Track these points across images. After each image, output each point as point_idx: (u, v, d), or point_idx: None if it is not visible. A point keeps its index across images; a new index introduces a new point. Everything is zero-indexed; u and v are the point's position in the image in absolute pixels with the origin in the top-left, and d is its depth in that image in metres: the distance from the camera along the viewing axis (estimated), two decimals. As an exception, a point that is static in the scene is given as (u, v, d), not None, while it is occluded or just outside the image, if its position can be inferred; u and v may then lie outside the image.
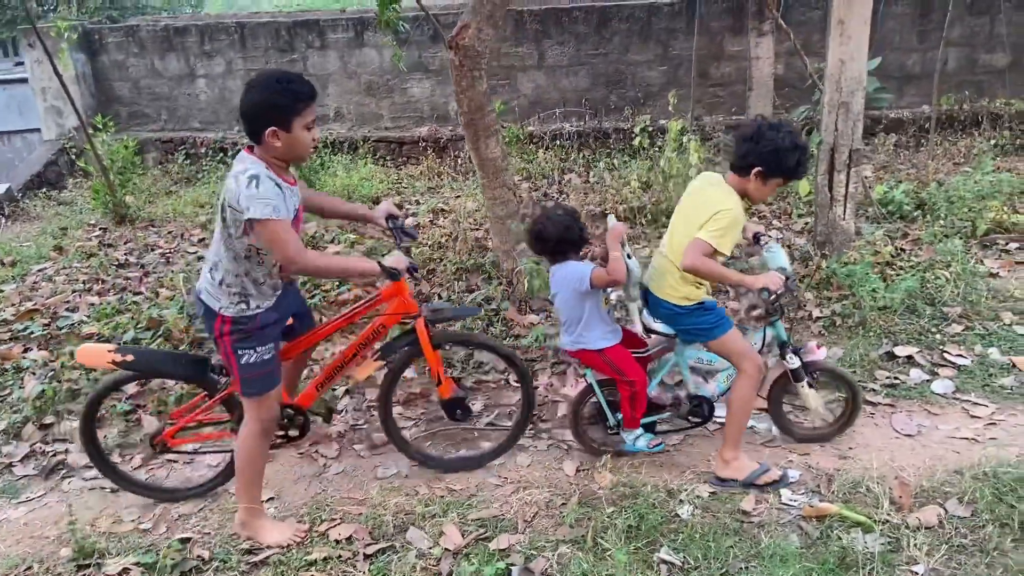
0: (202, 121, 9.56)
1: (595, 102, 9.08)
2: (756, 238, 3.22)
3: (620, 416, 3.20)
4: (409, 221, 6.51)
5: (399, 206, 7.28)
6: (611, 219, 3.15)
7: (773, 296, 2.86)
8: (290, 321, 3.09)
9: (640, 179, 6.47)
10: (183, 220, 7.12)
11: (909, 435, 3.35)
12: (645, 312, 3.18)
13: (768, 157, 2.81)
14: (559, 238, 2.99)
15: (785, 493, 2.98)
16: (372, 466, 3.37)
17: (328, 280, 5.00)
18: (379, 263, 2.78)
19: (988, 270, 4.73)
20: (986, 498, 2.79)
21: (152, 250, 6.29)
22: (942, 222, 5.38)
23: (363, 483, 3.25)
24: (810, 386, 3.16)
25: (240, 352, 2.73)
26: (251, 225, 2.52)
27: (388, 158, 9.12)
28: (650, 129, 7.40)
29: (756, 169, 2.84)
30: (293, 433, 3.18)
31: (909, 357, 3.90)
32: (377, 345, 3.20)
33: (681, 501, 2.95)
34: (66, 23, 7.24)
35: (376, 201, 7.26)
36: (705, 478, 3.12)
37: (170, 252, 6.20)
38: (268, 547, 2.83)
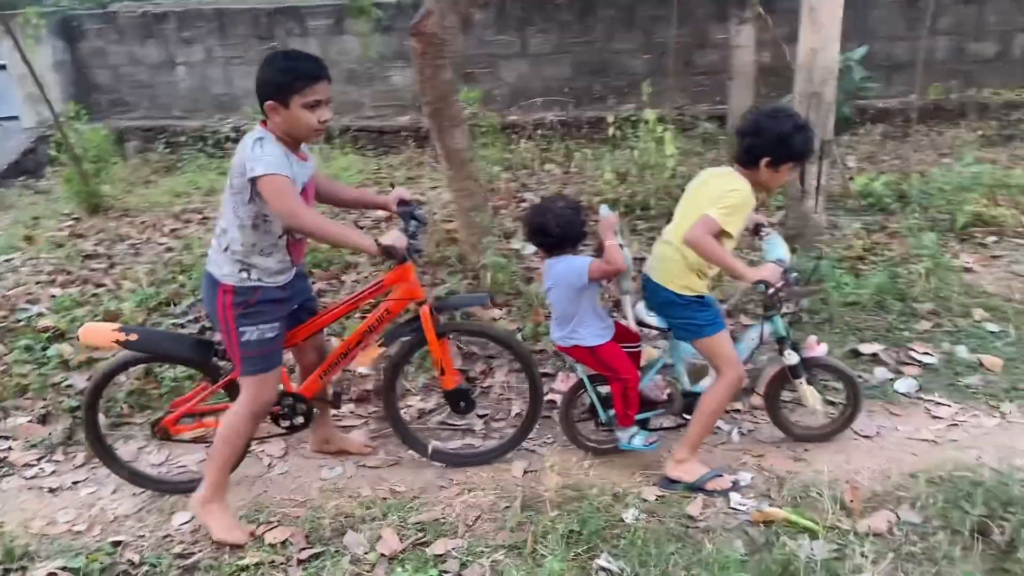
0: (182, 109, 9.47)
1: (579, 91, 8.98)
2: (757, 229, 3.14)
3: (611, 412, 3.12)
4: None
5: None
6: (603, 209, 3.03)
7: (772, 290, 2.76)
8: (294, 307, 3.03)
9: (616, 170, 6.35)
10: (159, 210, 7.03)
11: (867, 436, 3.26)
12: (639, 305, 3.10)
13: (773, 145, 2.76)
14: (560, 233, 2.87)
15: (734, 497, 2.90)
16: (317, 466, 3.29)
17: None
18: (376, 240, 2.71)
19: (962, 265, 4.63)
20: (939, 504, 2.71)
21: (122, 241, 6.20)
22: (916, 215, 5.28)
23: (306, 484, 3.17)
24: (809, 383, 3.08)
25: (242, 328, 2.69)
26: (255, 185, 2.50)
27: (369, 147, 9.03)
28: (633, 119, 7.29)
29: (764, 160, 2.78)
30: (299, 421, 3.12)
31: (874, 355, 3.81)
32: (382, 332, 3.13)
33: (627, 505, 2.87)
34: (34, 11, 7.13)
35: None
36: (654, 480, 3.04)
37: (141, 243, 6.11)
38: (212, 540, 2.77)
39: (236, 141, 7.99)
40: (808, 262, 4.02)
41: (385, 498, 3.02)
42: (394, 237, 2.73)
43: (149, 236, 6.26)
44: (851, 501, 2.78)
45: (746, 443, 3.29)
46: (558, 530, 2.71)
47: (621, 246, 2.85)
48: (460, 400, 3.16)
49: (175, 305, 4.64)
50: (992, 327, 3.95)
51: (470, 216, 4.80)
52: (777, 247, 3.00)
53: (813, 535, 2.64)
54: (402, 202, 3.07)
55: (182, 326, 4.41)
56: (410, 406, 3.70)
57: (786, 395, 3.31)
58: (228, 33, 9.07)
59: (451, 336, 3.31)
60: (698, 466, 2.99)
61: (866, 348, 3.84)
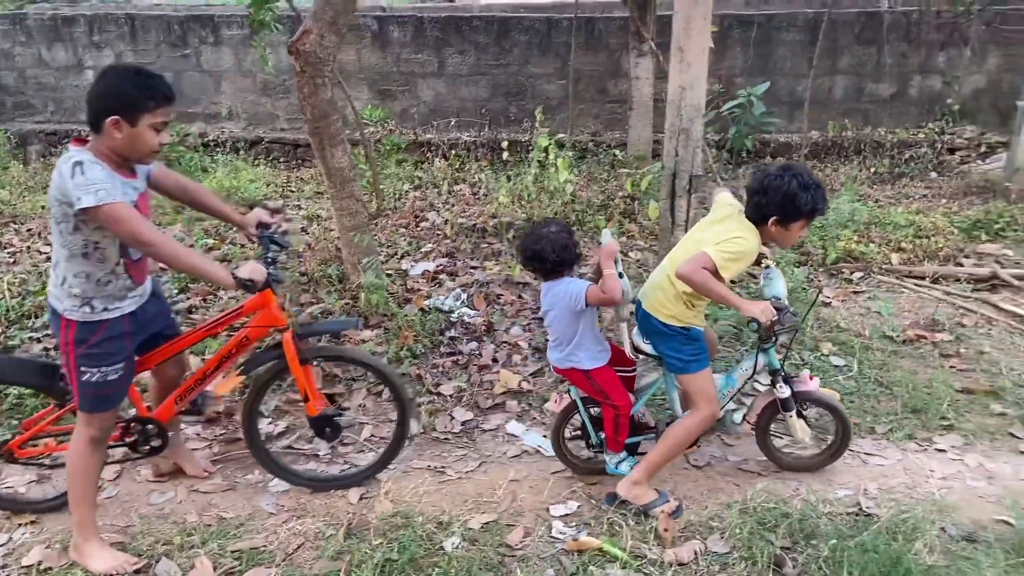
0: (91, 114, 9.23)
1: (495, 112, 9.05)
2: (758, 259, 3.16)
3: (603, 435, 3.13)
4: (290, 226, 6.36)
5: (278, 210, 7.12)
6: (605, 234, 3.06)
7: (762, 329, 2.82)
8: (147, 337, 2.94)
9: (512, 193, 6.43)
10: (49, 217, 6.83)
11: (698, 466, 3.35)
12: (635, 332, 3.13)
13: (780, 204, 2.75)
14: (557, 258, 2.87)
15: (556, 526, 2.95)
16: (148, 490, 3.23)
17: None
18: (233, 274, 2.63)
19: (822, 299, 4.80)
20: (745, 533, 2.80)
21: (3, 249, 6.02)
22: (792, 249, 5.45)
23: (132, 509, 3.11)
24: (799, 416, 3.13)
25: (82, 368, 2.60)
26: (85, 215, 2.37)
27: (282, 160, 8.96)
28: (549, 142, 7.37)
29: (772, 219, 2.78)
30: (156, 444, 3.05)
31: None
32: (242, 358, 3.09)
33: (451, 533, 2.89)
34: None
35: (253, 206, 7.10)
36: (485, 509, 3.07)
37: (20, 251, 5.94)
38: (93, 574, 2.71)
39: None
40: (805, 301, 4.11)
41: (210, 525, 2.98)
42: (251, 270, 2.67)
43: (31, 244, 6.09)
44: (664, 530, 2.85)
45: (581, 471, 3.34)
46: (375, 559, 2.72)
47: (620, 275, 2.87)
48: (325, 426, 3.13)
49: (37, 318, 4.52)
50: (837, 361, 4.10)
51: (351, 236, 4.80)
52: (776, 283, 3.02)
53: (622, 564, 2.70)
54: (261, 224, 3.04)
55: (38, 339, 4.29)
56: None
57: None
58: (139, 39, 8.91)
59: (316, 362, 3.27)
60: (650, 492, 3.02)
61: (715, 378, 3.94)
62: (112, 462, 3.16)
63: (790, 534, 2.82)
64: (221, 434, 3.65)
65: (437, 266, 5.55)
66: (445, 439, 3.63)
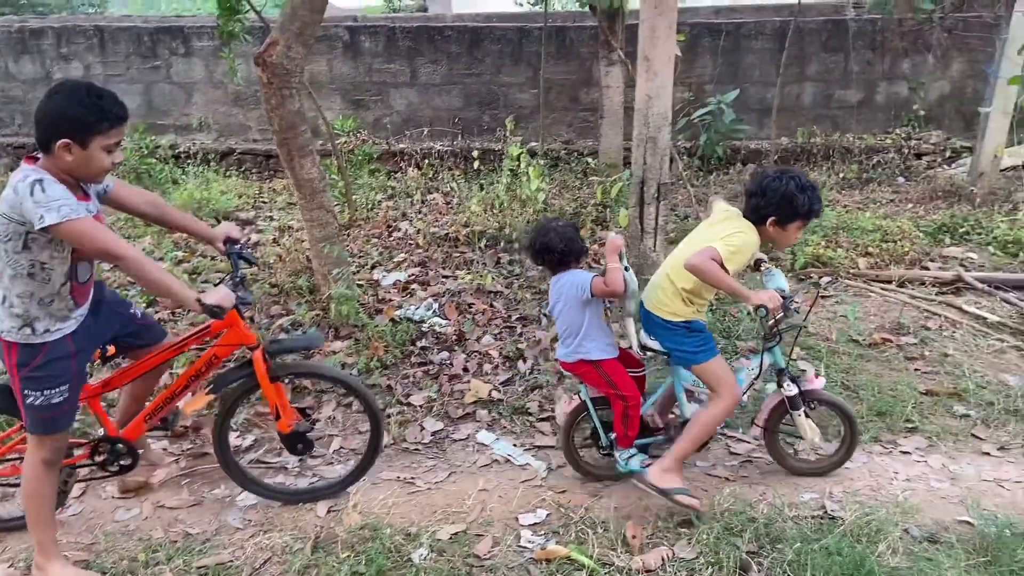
0: (59, 126, 9.14)
1: (468, 122, 9.07)
2: (757, 264, 3.21)
3: (613, 435, 3.15)
4: (260, 237, 6.32)
5: (250, 222, 7.10)
6: (610, 231, 3.08)
7: (771, 318, 2.85)
8: (111, 350, 2.91)
9: (484, 202, 6.44)
10: None
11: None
12: (642, 330, 3.15)
13: (778, 206, 2.84)
14: (564, 248, 2.98)
15: (525, 535, 2.95)
16: (113, 507, 3.19)
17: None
18: (199, 300, 2.56)
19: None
20: (712, 539, 2.82)
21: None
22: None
23: (97, 527, 3.07)
24: (807, 416, 3.15)
25: (26, 391, 2.55)
26: (46, 233, 2.32)
27: (254, 171, 8.92)
28: (520, 151, 7.40)
29: (770, 219, 2.87)
30: (126, 463, 3.03)
31: (689, 391, 3.94)
32: (211, 376, 3.05)
33: (419, 544, 2.88)
34: None
35: (225, 217, 7.06)
36: (454, 519, 3.07)
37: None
38: None
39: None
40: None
41: (175, 541, 2.96)
42: (219, 296, 2.61)
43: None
44: (633, 537, 2.87)
45: (551, 479, 3.35)
46: (342, 572, 2.71)
47: (626, 268, 2.94)
48: (297, 443, 3.11)
49: None
50: (804, 366, 4.14)
51: (321, 247, 4.79)
52: (777, 278, 3.07)
53: (591, 572, 2.71)
54: (229, 240, 3.01)
55: None
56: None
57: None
58: (108, 50, 8.84)
59: (286, 379, 3.25)
60: (678, 479, 3.03)
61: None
62: (79, 480, 3.13)
63: (756, 538, 2.85)
64: (188, 449, 3.61)
65: (409, 276, 5.54)
66: (415, 449, 3.62)
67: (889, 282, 5.30)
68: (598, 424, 3.19)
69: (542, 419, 3.83)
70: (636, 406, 3.05)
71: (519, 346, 4.44)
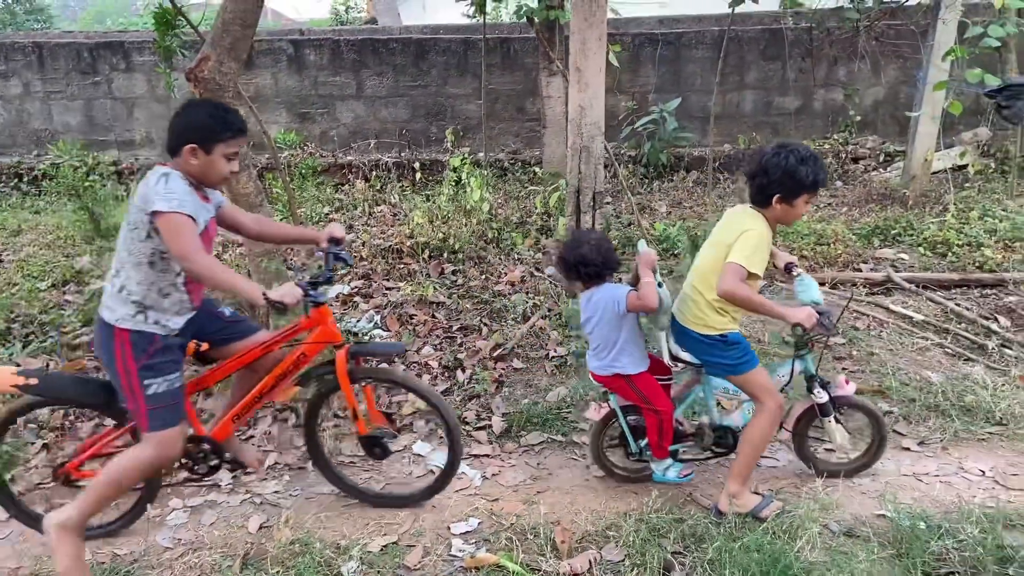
0: (-3, 144, 8.97)
1: (415, 133, 9.10)
2: (788, 268, 3.22)
3: (643, 443, 3.18)
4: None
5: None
6: (642, 244, 3.10)
7: (807, 335, 2.87)
8: (205, 346, 2.91)
9: (428, 213, 6.46)
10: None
11: (599, 476, 3.43)
12: (672, 340, 3.16)
13: (782, 182, 2.81)
14: (602, 260, 2.97)
15: (456, 544, 2.98)
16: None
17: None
18: (264, 294, 2.60)
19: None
20: (639, 541, 2.87)
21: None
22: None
23: (24, 552, 3.02)
24: (836, 421, 3.17)
25: (147, 382, 2.60)
26: (154, 219, 2.47)
27: (200, 186, 8.81)
28: (463, 161, 7.43)
29: (776, 196, 2.84)
30: (213, 463, 3.08)
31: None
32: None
33: (350, 557, 2.89)
34: None
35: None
36: (386, 530, 3.09)
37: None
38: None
39: (53, 178, 7.72)
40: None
41: (103, 562, 2.92)
42: (284, 292, 2.65)
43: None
44: (562, 542, 2.91)
45: (485, 488, 3.39)
46: (270, 587, 2.71)
47: (660, 284, 2.93)
48: (374, 447, 3.16)
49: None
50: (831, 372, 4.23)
51: (259, 262, 4.77)
52: (810, 289, 3.06)
53: (519, 579, 2.74)
54: (333, 239, 3.07)
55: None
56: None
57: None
58: (48, 67, 8.69)
59: (366, 382, 3.27)
60: (752, 497, 3.06)
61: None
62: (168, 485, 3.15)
63: (681, 539, 2.91)
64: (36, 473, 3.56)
65: (352, 288, 5.54)
66: (351, 462, 3.63)
67: (823, 284, 5.43)
68: (627, 431, 3.23)
69: (479, 428, 3.87)
70: (669, 419, 3.09)
71: (458, 356, 4.47)
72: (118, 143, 8.99)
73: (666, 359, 3.20)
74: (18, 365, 4.08)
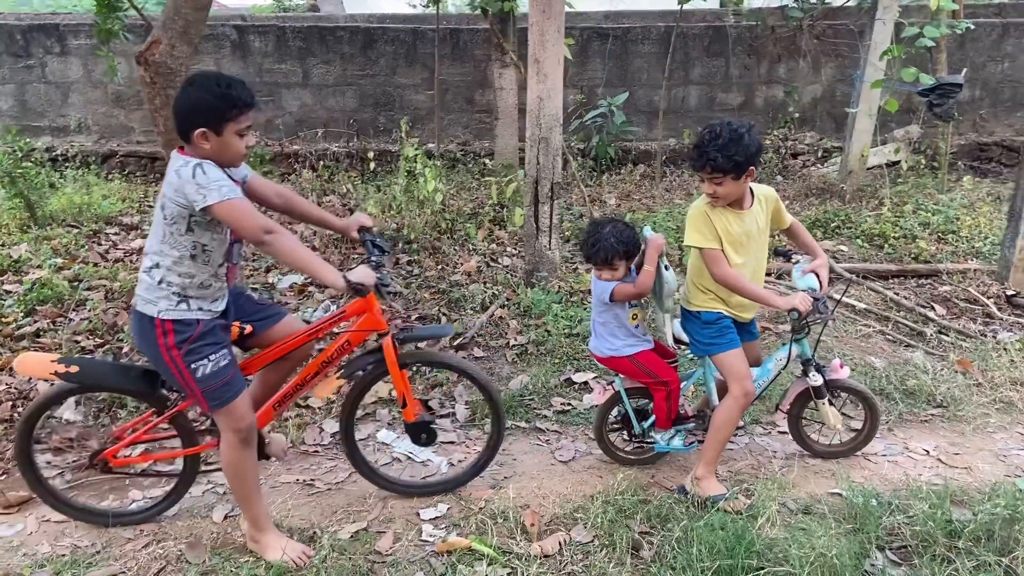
0: (-81, 128, 8.53)
1: (364, 123, 9.01)
2: (788, 256, 3.27)
3: (646, 424, 3.26)
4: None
5: (135, 227, 6.82)
6: (647, 230, 3.13)
7: (803, 319, 2.90)
8: (249, 329, 2.85)
9: (381, 204, 6.44)
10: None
11: (564, 461, 3.49)
12: (676, 324, 3.19)
13: (757, 153, 2.82)
14: (621, 247, 3.01)
15: (426, 529, 3.00)
16: (-4, 524, 3.05)
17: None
18: (345, 277, 2.59)
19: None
20: (607, 522, 2.94)
21: None
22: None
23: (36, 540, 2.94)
24: (831, 404, 3.23)
25: (194, 366, 2.58)
26: (205, 214, 2.41)
27: (139, 174, 8.57)
28: (416, 152, 7.40)
29: (750, 168, 2.83)
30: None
31: (585, 383, 4.09)
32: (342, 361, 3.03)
33: (320, 545, 2.88)
34: None
35: (107, 222, 6.78)
36: (355, 518, 3.08)
37: None
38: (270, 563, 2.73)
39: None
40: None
41: (63, 555, 2.85)
42: (363, 274, 2.65)
43: None
44: (531, 525, 2.96)
45: (452, 474, 3.41)
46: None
47: (666, 267, 3.00)
48: (421, 432, 3.11)
49: None
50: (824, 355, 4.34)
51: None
52: (808, 276, 3.09)
53: (491, 561, 2.78)
54: (363, 228, 3.02)
55: None
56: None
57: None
58: (-26, 48, 8.32)
59: (413, 367, 3.18)
60: (716, 485, 3.10)
61: (579, 377, 4.13)
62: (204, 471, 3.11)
63: (648, 519, 2.99)
64: (73, 461, 3.48)
65: (305, 278, 5.48)
66: (314, 451, 3.61)
67: (769, 274, 5.61)
68: (631, 413, 3.29)
69: (442, 416, 3.88)
70: (677, 389, 3.17)
71: (418, 346, 4.47)
72: (51, 129, 8.67)
73: (669, 341, 3.30)
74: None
